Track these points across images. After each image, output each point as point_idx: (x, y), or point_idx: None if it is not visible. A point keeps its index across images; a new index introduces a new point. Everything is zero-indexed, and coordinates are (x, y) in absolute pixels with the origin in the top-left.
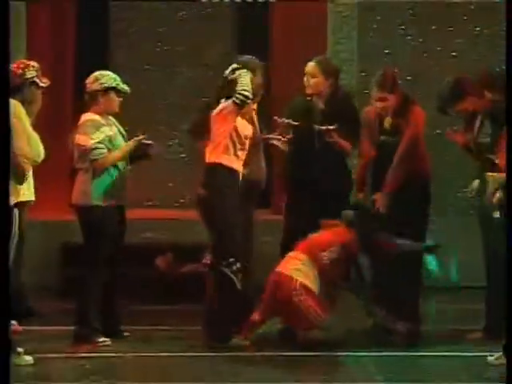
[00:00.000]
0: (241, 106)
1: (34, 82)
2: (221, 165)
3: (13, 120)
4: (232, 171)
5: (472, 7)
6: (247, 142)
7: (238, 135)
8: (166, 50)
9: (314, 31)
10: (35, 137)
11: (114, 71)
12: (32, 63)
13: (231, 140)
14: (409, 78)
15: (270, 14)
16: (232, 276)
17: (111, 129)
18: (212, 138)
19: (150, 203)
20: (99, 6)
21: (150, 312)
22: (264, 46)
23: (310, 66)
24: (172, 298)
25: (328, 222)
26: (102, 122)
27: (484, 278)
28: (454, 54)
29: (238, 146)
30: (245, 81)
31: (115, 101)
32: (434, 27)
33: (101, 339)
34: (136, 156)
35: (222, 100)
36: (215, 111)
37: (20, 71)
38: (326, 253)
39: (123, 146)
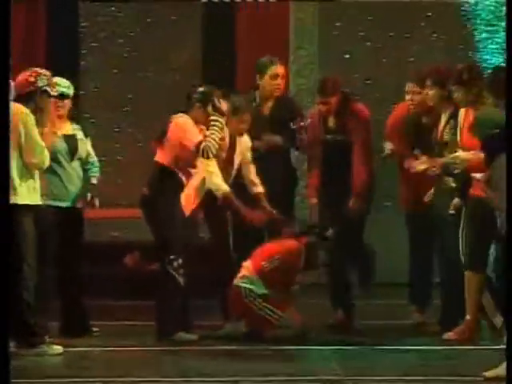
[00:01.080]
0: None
1: (45, 91)
2: (164, 166)
3: (20, 127)
4: (174, 173)
5: (429, 14)
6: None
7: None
8: (134, 55)
9: (277, 34)
10: (41, 145)
11: (83, 75)
12: (44, 72)
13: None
14: (368, 82)
15: (235, 16)
16: (173, 273)
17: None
18: (165, 141)
19: (117, 203)
20: (69, 11)
21: (119, 308)
22: (229, 48)
23: (281, 67)
24: (140, 295)
25: (287, 231)
26: None
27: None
28: (411, 59)
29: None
30: (214, 133)
31: (67, 105)
32: (392, 33)
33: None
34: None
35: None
36: (179, 121)
37: (32, 79)
38: (265, 263)
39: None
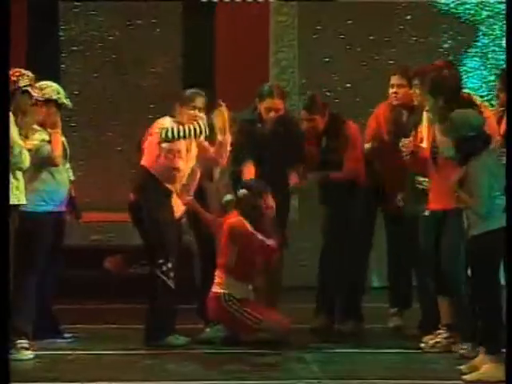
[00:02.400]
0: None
1: (26, 91)
2: (148, 169)
3: None
4: (157, 177)
5: (408, 17)
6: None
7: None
8: (114, 58)
9: (257, 38)
10: (20, 145)
11: (64, 79)
12: (26, 72)
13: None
14: (348, 85)
15: (215, 19)
16: (163, 276)
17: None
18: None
19: (98, 206)
20: (49, 15)
21: (100, 311)
22: (209, 51)
23: (279, 87)
24: (121, 298)
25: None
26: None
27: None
28: (391, 62)
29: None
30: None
31: (53, 112)
32: (372, 37)
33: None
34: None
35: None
36: (158, 120)
37: (14, 78)
38: (229, 259)
39: None
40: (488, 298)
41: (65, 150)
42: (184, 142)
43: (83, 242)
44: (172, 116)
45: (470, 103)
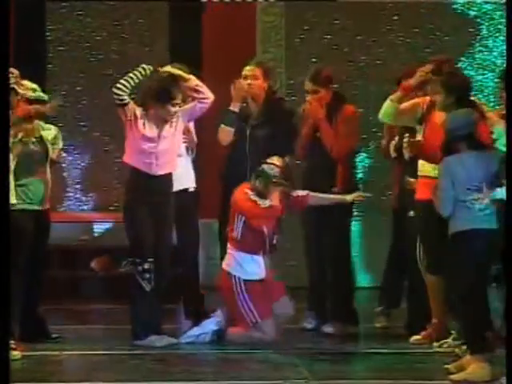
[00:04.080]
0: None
1: (12, 89)
2: (126, 164)
3: None
4: (136, 171)
5: (395, 18)
6: (156, 145)
7: (138, 136)
8: (101, 58)
9: (244, 37)
10: None
11: (50, 79)
12: (12, 70)
13: (132, 140)
14: (335, 86)
15: (202, 19)
16: (137, 277)
17: None
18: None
19: (86, 207)
20: (36, 15)
21: (86, 311)
22: (196, 51)
23: (251, 68)
24: (108, 298)
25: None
26: None
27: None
28: (378, 62)
29: (143, 147)
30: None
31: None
32: (358, 37)
33: None
34: None
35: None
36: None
37: None
38: (235, 232)
39: None
40: (470, 298)
41: (47, 148)
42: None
43: (71, 243)
44: None
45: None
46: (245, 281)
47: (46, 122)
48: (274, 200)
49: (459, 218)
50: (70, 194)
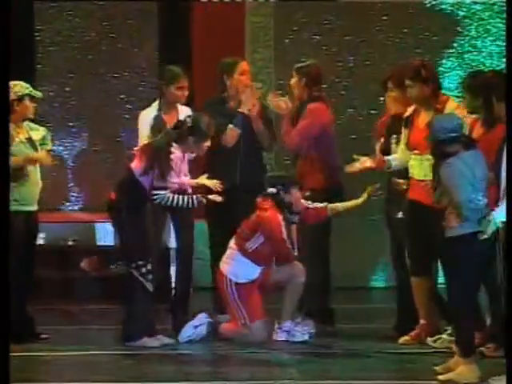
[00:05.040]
0: None
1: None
2: (130, 169)
3: None
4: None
5: (384, 18)
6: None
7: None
8: (90, 59)
9: (233, 37)
10: None
11: (39, 79)
12: None
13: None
14: (324, 86)
15: (191, 19)
16: (141, 278)
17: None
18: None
19: (75, 207)
20: (25, 15)
21: (76, 312)
22: (185, 51)
23: (245, 64)
24: (97, 299)
25: (260, 202)
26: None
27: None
28: (366, 62)
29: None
30: None
31: (30, 107)
32: (347, 37)
33: None
34: None
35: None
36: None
37: None
38: (249, 243)
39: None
40: (461, 300)
41: (37, 149)
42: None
43: (60, 243)
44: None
45: None
46: (236, 283)
47: (35, 123)
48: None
49: (469, 220)
50: (60, 194)
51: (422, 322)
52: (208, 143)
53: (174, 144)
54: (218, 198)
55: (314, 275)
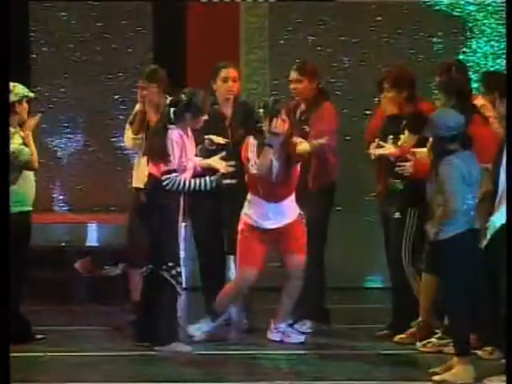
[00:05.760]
0: None
1: None
2: (151, 174)
3: None
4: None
5: (379, 19)
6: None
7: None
8: (85, 60)
9: (227, 38)
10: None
11: (34, 80)
12: None
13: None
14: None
15: (186, 19)
16: (171, 280)
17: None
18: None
19: (69, 208)
20: (19, 16)
21: (71, 312)
22: (180, 51)
23: (233, 70)
24: (92, 299)
25: None
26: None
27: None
28: (362, 63)
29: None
30: None
31: (26, 108)
32: (342, 38)
33: None
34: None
35: None
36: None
37: None
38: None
39: None
40: (457, 301)
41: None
42: None
43: (54, 244)
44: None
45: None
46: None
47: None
48: None
49: (460, 220)
50: (54, 195)
51: (420, 319)
52: (205, 117)
53: (172, 126)
54: (233, 181)
55: (310, 275)
